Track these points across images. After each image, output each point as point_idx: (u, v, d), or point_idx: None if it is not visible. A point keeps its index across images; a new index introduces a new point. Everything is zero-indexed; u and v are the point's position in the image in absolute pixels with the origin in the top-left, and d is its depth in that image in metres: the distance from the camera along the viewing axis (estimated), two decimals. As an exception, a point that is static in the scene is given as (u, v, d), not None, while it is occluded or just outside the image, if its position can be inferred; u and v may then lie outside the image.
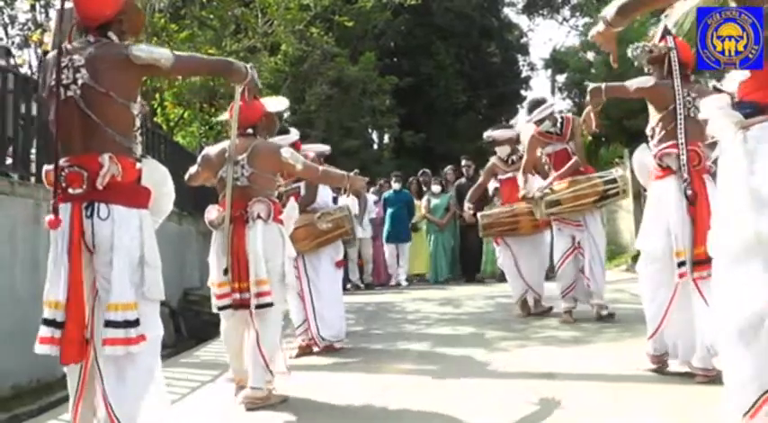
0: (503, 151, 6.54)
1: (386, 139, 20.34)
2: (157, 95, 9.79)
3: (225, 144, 3.84)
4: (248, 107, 3.80)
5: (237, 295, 3.66)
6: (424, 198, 10.85)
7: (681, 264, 3.48)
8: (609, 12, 2.52)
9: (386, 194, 10.86)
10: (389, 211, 10.61)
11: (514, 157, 6.46)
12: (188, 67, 3.19)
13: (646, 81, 3.76)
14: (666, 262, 3.56)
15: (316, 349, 5.11)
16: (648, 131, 3.82)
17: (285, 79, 12.68)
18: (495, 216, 6.34)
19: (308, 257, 5.15)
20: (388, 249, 10.72)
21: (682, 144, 3.48)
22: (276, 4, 9.82)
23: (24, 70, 10.59)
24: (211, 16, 9.90)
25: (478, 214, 6.46)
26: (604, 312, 5.65)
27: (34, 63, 12.86)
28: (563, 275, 5.74)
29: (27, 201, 5.07)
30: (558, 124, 5.73)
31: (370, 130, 19.27)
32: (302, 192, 5.14)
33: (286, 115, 5.12)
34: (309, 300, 5.08)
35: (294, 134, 5.14)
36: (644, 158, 3.88)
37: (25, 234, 4.95)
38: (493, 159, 6.72)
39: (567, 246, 5.68)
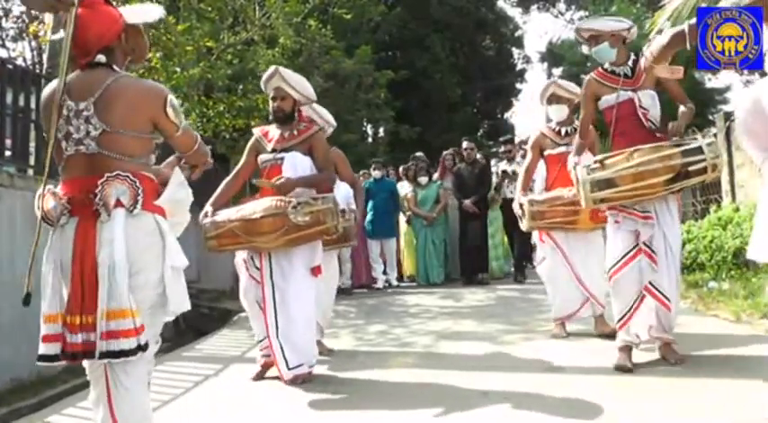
0: (558, 113, 4.99)
1: (381, 132, 20.29)
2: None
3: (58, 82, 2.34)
4: (95, 17, 2.32)
5: (78, 337, 2.18)
6: (410, 190, 9.47)
7: None
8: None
9: (365, 184, 9.11)
10: (371, 202, 9.08)
11: (569, 129, 4.96)
12: None
13: None
14: None
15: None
16: None
17: (282, 72, 12.61)
18: (549, 203, 4.81)
19: (276, 258, 4.02)
20: (373, 246, 9.30)
21: None
22: (274, -5, 9.76)
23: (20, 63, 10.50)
24: (209, 8, 9.83)
25: (524, 200, 4.91)
26: (673, 360, 3.85)
27: (29, 55, 12.76)
28: (620, 290, 3.89)
29: (26, 193, 5.02)
30: (630, 63, 3.98)
31: (365, 124, 19.21)
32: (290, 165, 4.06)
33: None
34: (273, 313, 3.97)
35: None
36: (762, 103, 2.14)
37: (25, 227, 4.90)
38: (541, 128, 5.19)
39: (627, 246, 3.86)
